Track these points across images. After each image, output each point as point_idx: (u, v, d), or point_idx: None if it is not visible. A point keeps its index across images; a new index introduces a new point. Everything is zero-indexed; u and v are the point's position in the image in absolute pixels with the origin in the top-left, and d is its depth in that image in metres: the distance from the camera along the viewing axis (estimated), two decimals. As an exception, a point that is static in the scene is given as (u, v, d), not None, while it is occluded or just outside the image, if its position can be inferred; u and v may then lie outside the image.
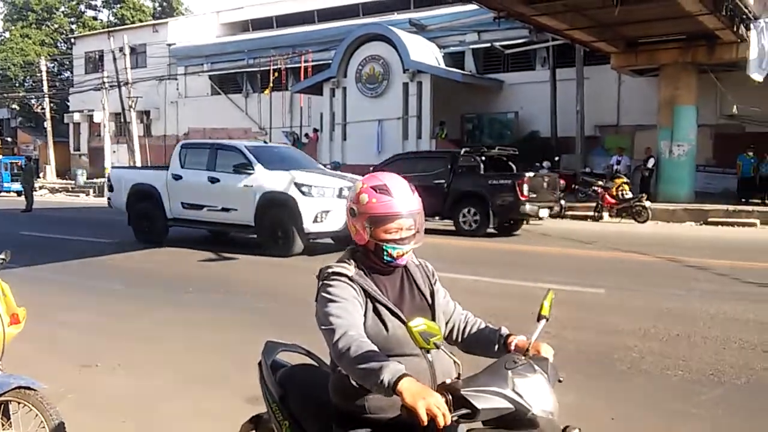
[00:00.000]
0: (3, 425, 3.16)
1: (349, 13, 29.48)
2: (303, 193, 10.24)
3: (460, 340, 2.29)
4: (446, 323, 2.26)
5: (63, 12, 45.47)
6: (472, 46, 24.72)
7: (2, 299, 3.50)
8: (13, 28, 44.34)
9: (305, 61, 26.75)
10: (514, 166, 14.32)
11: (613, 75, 21.03)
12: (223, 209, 11.14)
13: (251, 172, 10.71)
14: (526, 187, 12.74)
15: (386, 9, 28.04)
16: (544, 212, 13.39)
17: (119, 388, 4.71)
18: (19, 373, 3.29)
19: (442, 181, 13.56)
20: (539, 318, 2.10)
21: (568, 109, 21.29)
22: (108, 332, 6.25)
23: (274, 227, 10.57)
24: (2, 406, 3.16)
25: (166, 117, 33.39)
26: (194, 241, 12.55)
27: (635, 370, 4.94)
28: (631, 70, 19.84)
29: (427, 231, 2.40)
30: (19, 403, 3.17)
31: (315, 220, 10.20)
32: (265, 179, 10.65)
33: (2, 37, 46.13)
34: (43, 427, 3.14)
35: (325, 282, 2.10)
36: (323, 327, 1.99)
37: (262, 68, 28.41)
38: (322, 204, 10.20)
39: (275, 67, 27.22)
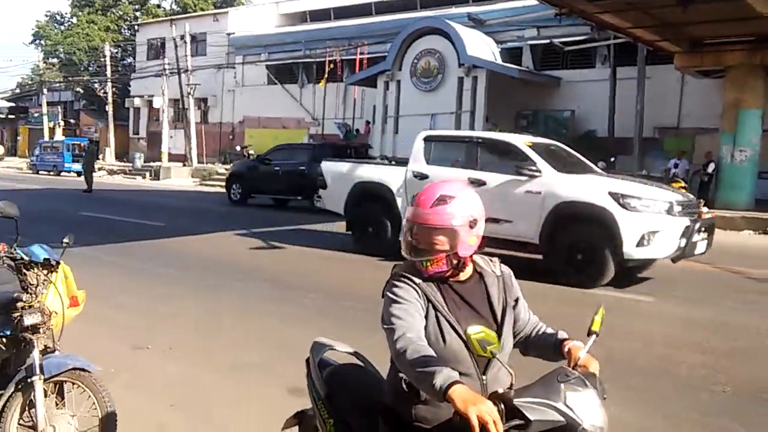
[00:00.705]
0: (57, 404, 3.28)
1: (407, 6, 29.39)
2: (624, 206, 7.83)
3: (520, 342, 2.30)
4: (517, 334, 2.27)
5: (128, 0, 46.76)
6: (530, 42, 24.33)
7: (64, 281, 3.63)
8: (80, 14, 45.81)
9: (361, 54, 26.80)
10: None
11: (676, 75, 20.38)
12: (491, 220, 9.10)
13: (537, 174, 8.39)
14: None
15: (444, 2, 27.83)
16: None
17: (169, 371, 4.84)
18: (73, 353, 3.41)
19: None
20: (589, 333, 2.12)
21: (626, 108, 20.75)
22: (159, 315, 6.43)
23: (572, 248, 8.13)
24: (58, 385, 3.28)
25: (223, 104, 33.97)
26: (244, 226, 12.75)
27: (684, 384, 4.80)
28: (695, 71, 19.18)
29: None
30: (73, 383, 3.29)
31: (639, 243, 7.73)
32: (560, 185, 8.29)
33: (69, 23, 47.74)
34: (95, 408, 3.25)
35: (392, 281, 2.14)
36: (384, 326, 2.05)
37: (317, 59, 28.62)
38: (650, 222, 7.76)
39: (331, 58, 27.37)
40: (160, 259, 9.43)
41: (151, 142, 36.18)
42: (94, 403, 3.24)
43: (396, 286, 2.11)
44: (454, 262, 2.10)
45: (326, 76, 27.09)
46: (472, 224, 2.10)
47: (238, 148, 31.67)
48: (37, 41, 48.32)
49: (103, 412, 3.21)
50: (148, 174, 30.29)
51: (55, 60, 47.92)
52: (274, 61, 31.64)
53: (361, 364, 2.67)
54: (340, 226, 11.53)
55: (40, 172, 33.17)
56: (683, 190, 16.18)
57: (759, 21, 14.14)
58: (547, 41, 23.37)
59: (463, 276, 2.17)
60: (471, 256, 2.17)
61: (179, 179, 28.61)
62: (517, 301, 2.24)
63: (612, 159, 20.14)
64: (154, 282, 7.92)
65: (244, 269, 8.82)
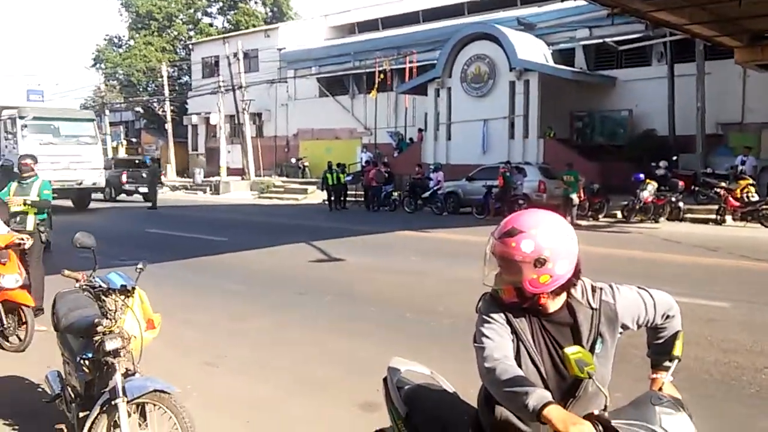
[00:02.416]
0: (140, 425, 3.40)
1: (454, 13, 29.36)
2: None
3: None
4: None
5: (182, 20, 48.07)
6: (582, 43, 23.94)
7: (140, 306, 3.77)
8: (137, 36, 47.36)
9: (410, 62, 26.89)
10: None
11: (737, 70, 19.69)
12: None
13: None
14: None
15: (492, 7, 27.67)
16: None
17: (240, 388, 4.93)
18: (148, 371, 3.53)
19: None
20: (671, 359, 2.11)
21: (687, 106, 20.16)
22: (227, 332, 6.57)
23: None
24: (140, 407, 3.40)
25: (277, 118, 34.57)
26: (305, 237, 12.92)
27: (765, 393, 4.62)
28: (756, 65, 18.49)
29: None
30: (154, 405, 3.40)
31: None
32: None
33: (127, 45, 49.41)
34: (176, 428, 3.35)
35: (485, 300, 2.17)
36: (475, 344, 2.08)
37: (367, 70, 28.85)
38: None
39: (380, 68, 27.55)
40: (224, 274, 9.64)
41: (209, 158, 37.08)
42: (175, 424, 3.34)
43: (487, 306, 2.13)
44: (526, 296, 2.06)
45: (377, 86, 27.26)
46: (539, 263, 2.00)
47: (293, 160, 32.19)
48: (98, 64, 50.18)
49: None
50: (208, 189, 31.03)
51: (115, 82, 49.61)
52: (325, 74, 32.04)
53: (439, 384, 2.68)
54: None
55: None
56: (752, 188, 15.67)
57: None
58: (600, 41, 22.95)
59: (552, 308, 2.12)
60: (567, 287, 2.11)
61: (238, 192, 29.22)
62: (626, 327, 2.17)
63: (674, 158, 19.60)
64: (220, 298, 8.09)
65: (307, 283, 8.92)
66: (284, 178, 31.00)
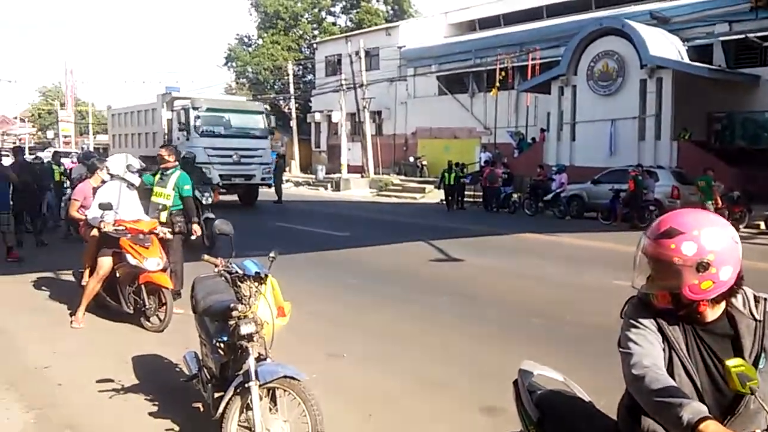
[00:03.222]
0: (271, 409, 3.50)
1: (580, 7, 28.26)
2: None
3: None
4: None
5: (306, 19, 49.64)
6: (721, 38, 22.27)
7: (272, 293, 3.88)
8: (265, 35, 49.38)
9: (533, 59, 26.22)
10: None
11: None
12: None
13: None
14: None
15: (622, 1, 26.44)
16: None
17: (362, 380, 4.99)
18: (275, 357, 3.63)
19: None
20: None
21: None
22: (349, 324, 6.69)
23: None
24: (271, 392, 3.50)
25: (396, 117, 34.89)
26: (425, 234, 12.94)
27: None
28: None
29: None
30: (284, 390, 3.49)
31: None
32: None
33: (256, 44, 51.63)
34: (305, 415, 3.42)
35: (633, 304, 2.06)
36: (621, 349, 1.98)
37: (488, 67, 28.43)
38: None
39: (502, 65, 27.07)
40: (346, 268, 9.84)
41: (331, 155, 38.04)
42: (303, 411, 3.42)
43: (635, 311, 2.01)
44: (684, 302, 1.92)
45: (498, 84, 26.81)
46: (702, 267, 1.86)
47: (411, 158, 32.35)
48: (229, 63, 52.80)
49: (313, 420, 3.37)
50: (329, 185, 31.85)
51: (244, 80, 51.99)
52: (445, 72, 31.94)
53: (572, 391, 2.57)
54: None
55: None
56: None
57: None
58: (742, 36, 21.26)
59: (710, 317, 1.96)
60: (728, 296, 1.95)
61: (358, 190, 29.78)
62: None
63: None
64: (342, 291, 8.26)
65: (426, 281, 8.93)
66: (402, 177, 31.22)
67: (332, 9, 50.00)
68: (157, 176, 7.61)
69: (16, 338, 6.14)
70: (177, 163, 7.71)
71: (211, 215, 10.75)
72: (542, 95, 25.52)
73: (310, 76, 46.30)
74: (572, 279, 9.13)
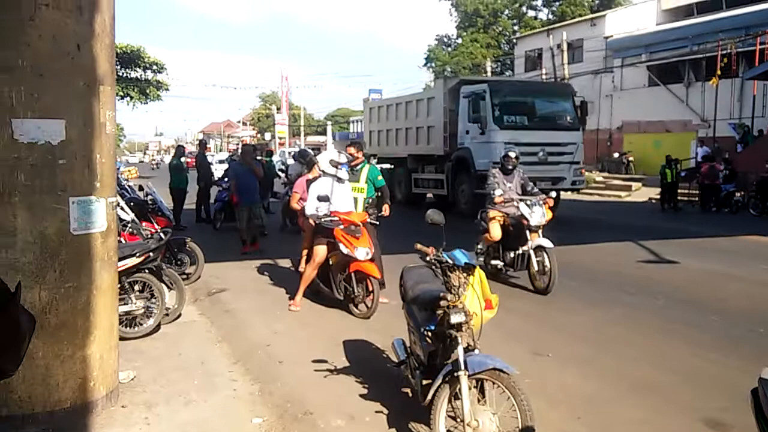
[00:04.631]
0: (479, 401, 3.47)
1: (824, -18, 24.75)
2: None
3: None
4: None
5: (507, 15, 49.07)
6: None
7: (479, 285, 3.85)
8: (464, 34, 49.68)
9: (761, 44, 23.42)
10: None
11: None
12: None
13: None
14: None
15: None
16: None
17: (568, 382, 4.81)
18: (491, 354, 3.58)
19: None
20: None
21: None
22: (553, 324, 6.48)
23: None
24: (479, 383, 3.47)
25: (600, 110, 33.16)
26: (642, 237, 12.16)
27: None
28: None
29: None
30: (493, 383, 3.44)
31: None
32: None
33: (455, 44, 52.12)
34: (514, 409, 3.35)
35: None
36: None
37: (708, 54, 25.92)
38: None
39: (724, 52, 24.52)
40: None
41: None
42: (513, 405, 3.35)
43: None
44: None
45: (719, 72, 24.34)
46: None
47: (616, 154, 30.63)
48: (428, 63, 53.88)
49: (523, 415, 3.29)
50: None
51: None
52: (656, 61, 29.71)
53: None
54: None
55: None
56: None
57: None
58: None
59: None
60: None
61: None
62: None
63: None
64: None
65: (635, 282, 8.36)
66: (605, 174, 29.64)
67: (533, 3, 48.92)
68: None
69: (243, 318, 6.79)
70: (364, 159, 8.15)
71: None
72: (772, 83, 22.78)
73: (508, 72, 45.78)
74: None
